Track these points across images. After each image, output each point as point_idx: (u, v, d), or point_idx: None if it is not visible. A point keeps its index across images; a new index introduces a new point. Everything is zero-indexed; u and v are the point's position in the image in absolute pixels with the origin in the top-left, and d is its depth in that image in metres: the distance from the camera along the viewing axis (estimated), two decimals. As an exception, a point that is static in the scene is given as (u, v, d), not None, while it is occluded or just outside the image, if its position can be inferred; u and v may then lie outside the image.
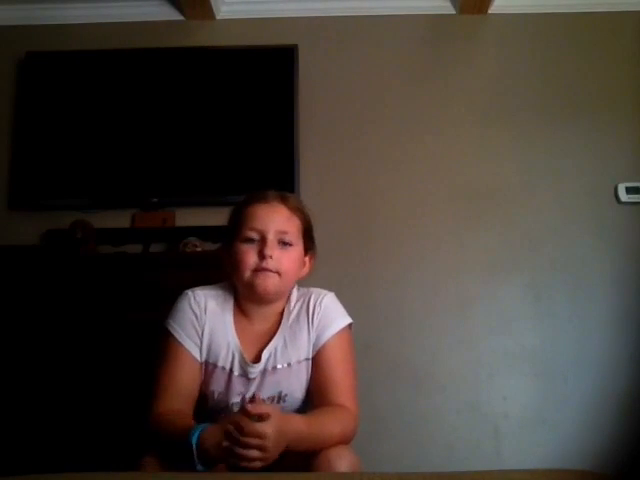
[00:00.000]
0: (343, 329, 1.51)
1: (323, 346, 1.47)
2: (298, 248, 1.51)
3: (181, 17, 2.87)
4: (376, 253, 2.63)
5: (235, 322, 1.51)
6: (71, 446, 2.20)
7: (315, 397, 1.47)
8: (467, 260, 2.62)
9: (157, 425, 1.38)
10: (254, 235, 1.46)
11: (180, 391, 1.44)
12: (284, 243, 1.47)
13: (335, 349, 1.48)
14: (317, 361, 1.47)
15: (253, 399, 1.30)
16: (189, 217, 2.65)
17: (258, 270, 1.43)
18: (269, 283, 1.44)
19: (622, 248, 2.61)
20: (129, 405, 2.21)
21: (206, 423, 1.28)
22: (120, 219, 2.67)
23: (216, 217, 2.58)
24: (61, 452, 2.19)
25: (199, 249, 2.51)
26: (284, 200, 1.52)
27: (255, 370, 1.47)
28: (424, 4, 2.85)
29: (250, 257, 1.44)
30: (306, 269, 1.57)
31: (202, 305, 1.52)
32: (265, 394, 1.45)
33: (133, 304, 2.35)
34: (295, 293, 1.55)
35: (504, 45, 2.83)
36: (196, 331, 1.49)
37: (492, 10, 2.82)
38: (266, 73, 2.76)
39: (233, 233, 1.51)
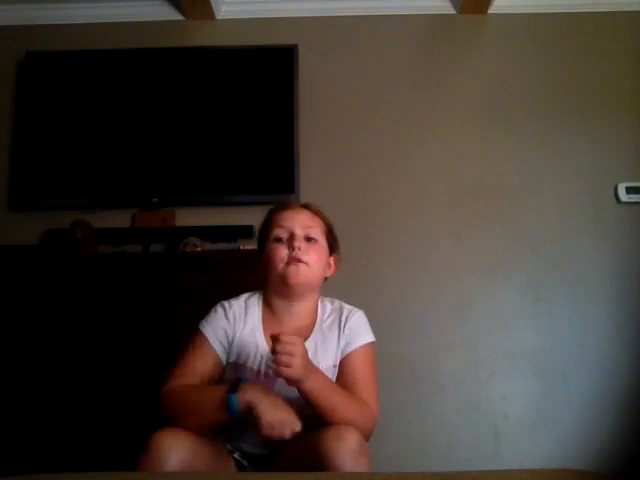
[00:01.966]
0: (369, 344, 1.59)
1: (350, 353, 1.56)
2: (323, 244, 1.63)
3: (181, 17, 2.87)
4: (376, 253, 2.63)
5: (264, 323, 1.59)
6: (71, 446, 2.20)
7: None
8: (467, 260, 2.62)
9: (173, 395, 1.46)
10: (283, 233, 1.59)
11: (196, 377, 1.51)
12: (310, 238, 1.60)
13: (361, 357, 1.56)
14: (343, 365, 1.55)
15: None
16: (189, 217, 2.65)
17: (289, 261, 1.55)
18: (300, 273, 1.55)
19: (622, 248, 2.61)
20: (129, 404, 2.22)
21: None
22: (120, 219, 2.67)
23: (216, 217, 2.62)
24: (61, 452, 2.19)
25: (199, 249, 2.51)
26: (306, 205, 1.68)
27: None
28: (424, 4, 2.85)
29: (281, 251, 1.57)
30: (332, 269, 1.68)
31: (236, 313, 1.60)
32: (292, 394, 1.48)
33: (133, 304, 2.35)
34: (329, 306, 1.64)
35: (504, 45, 2.83)
36: (226, 334, 1.57)
37: (492, 10, 2.83)
38: (266, 73, 2.76)
39: (264, 239, 1.64)
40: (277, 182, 2.64)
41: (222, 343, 1.56)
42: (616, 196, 2.65)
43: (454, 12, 2.85)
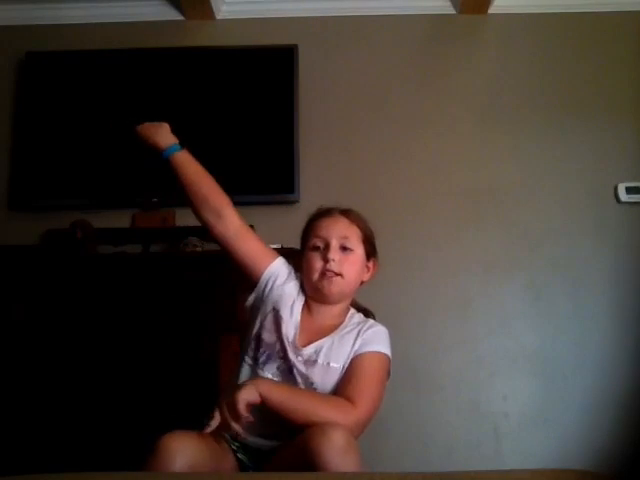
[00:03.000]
0: (381, 354, 1.61)
1: (359, 354, 1.56)
2: (359, 253, 1.66)
3: (181, 17, 2.87)
4: (376, 253, 2.63)
5: (301, 312, 1.64)
6: (71, 446, 2.20)
7: (337, 390, 1.53)
8: (467, 260, 2.62)
9: None
10: (319, 243, 1.64)
11: (244, 224, 1.66)
12: (345, 248, 1.63)
13: (371, 361, 1.57)
14: (351, 363, 1.56)
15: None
16: (189, 217, 2.60)
17: (324, 273, 1.60)
18: (333, 286, 1.60)
19: (622, 248, 2.61)
20: (129, 404, 2.22)
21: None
22: (120, 219, 2.67)
23: (216, 217, 2.62)
24: (61, 452, 2.19)
25: (199, 249, 2.51)
26: (345, 213, 1.71)
27: (299, 353, 1.55)
28: (424, 4, 2.85)
29: (317, 262, 1.61)
30: (369, 274, 1.70)
31: (293, 281, 1.66)
32: (299, 382, 1.53)
33: (133, 304, 2.35)
34: (357, 318, 1.67)
35: (504, 45, 2.83)
36: (288, 272, 1.66)
37: (492, 10, 2.83)
38: (266, 73, 2.76)
39: (304, 245, 1.69)
40: (277, 182, 2.64)
41: (282, 267, 1.65)
42: (616, 196, 2.65)
43: (454, 12, 2.85)
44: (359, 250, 1.66)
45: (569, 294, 2.59)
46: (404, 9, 2.85)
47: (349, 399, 1.46)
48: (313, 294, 1.64)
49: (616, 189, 2.65)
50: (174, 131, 1.86)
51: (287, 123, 2.69)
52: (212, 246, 2.57)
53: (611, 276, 2.59)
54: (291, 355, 1.54)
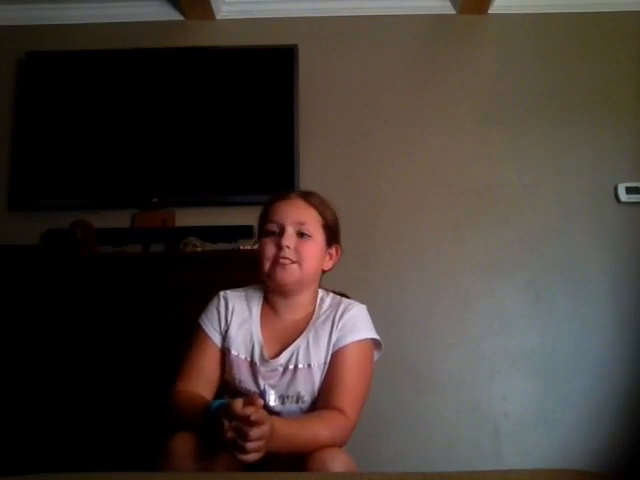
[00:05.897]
0: (365, 341, 1.51)
1: (341, 349, 1.49)
2: (318, 239, 1.55)
3: (181, 17, 2.87)
4: (376, 253, 2.63)
5: (262, 316, 1.57)
6: (72, 446, 2.20)
7: (320, 397, 1.48)
8: (467, 260, 2.62)
9: (176, 403, 1.46)
10: (274, 228, 1.53)
11: (201, 375, 1.52)
12: (302, 234, 1.52)
13: (352, 355, 1.49)
14: (332, 362, 1.49)
15: (251, 402, 1.25)
16: (189, 217, 2.65)
17: (277, 260, 1.49)
18: (287, 273, 1.50)
19: (622, 248, 2.61)
20: (129, 404, 2.22)
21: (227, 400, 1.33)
22: (120, 219, 2.67)
23: (216, 217, 2.63)
24: (61, 452, 2.19)
25: (199, 249, 2.51)
26: (304, 196, 1.59)
27: (271, 366, 1.50)
28: (424, 4, 2.85)
29: (270, 248, 1.51)
30: (331, 262, 1.61)
31: (230, 304, 1.58)
32: (283, 392, 1.49)
33: (133, 304, 2.35)
34: (327, 301, 1.58)
35: (504, 45, 2.83)
36: (219, 324, 1.56)
37: (492, 10, 2.83)
38: (266, 73, 2.76)
39: (260, 230, 1.59)
40: (277, 182, 2.64)
41: (218, 331, 1.56)
42: (616, 196, 2.65)
43: (454, 12, 2.85)
44: (318, 236, 1.54)
45: (569, 294, 2.58)
46: (404, 9, 2.85)
47: (338, 409, 1.42)
48: (269, 284, 1.54)
49: (616, 189, 2.65)
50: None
51: (287, 123, 2.69)
52: (212, 246, 2.58)
53: (611, 276, 2.59)
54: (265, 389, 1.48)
